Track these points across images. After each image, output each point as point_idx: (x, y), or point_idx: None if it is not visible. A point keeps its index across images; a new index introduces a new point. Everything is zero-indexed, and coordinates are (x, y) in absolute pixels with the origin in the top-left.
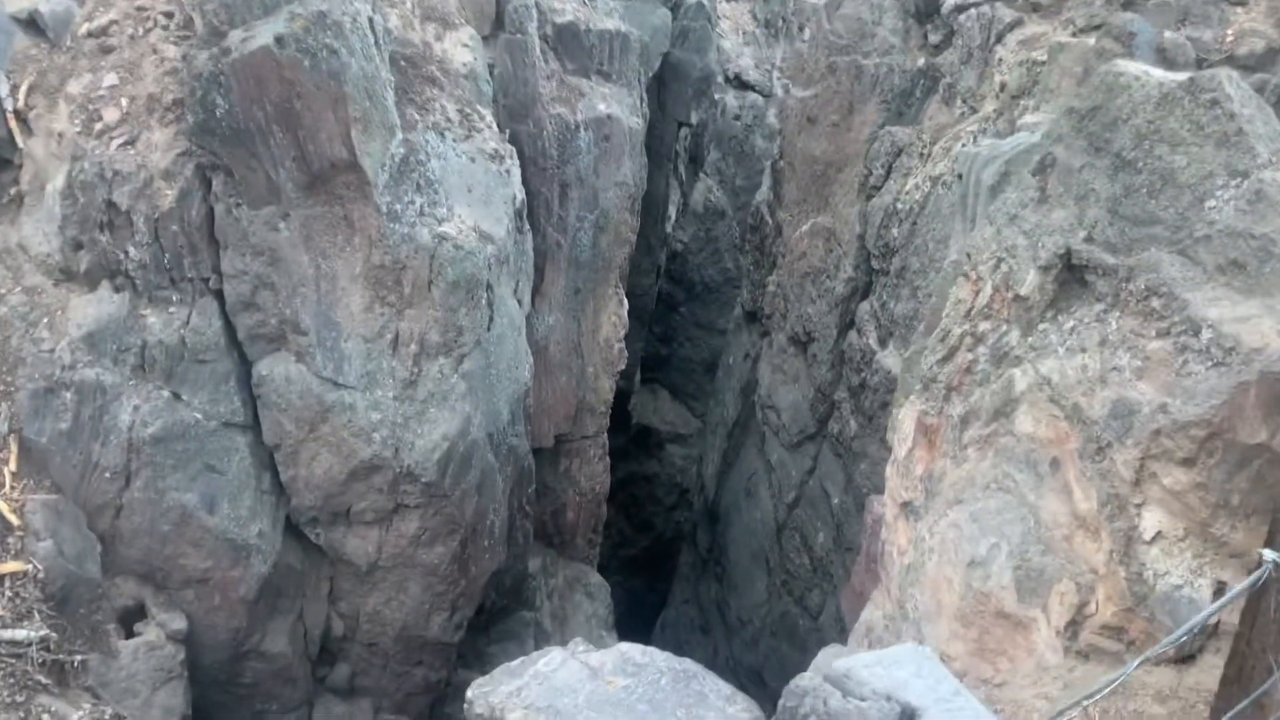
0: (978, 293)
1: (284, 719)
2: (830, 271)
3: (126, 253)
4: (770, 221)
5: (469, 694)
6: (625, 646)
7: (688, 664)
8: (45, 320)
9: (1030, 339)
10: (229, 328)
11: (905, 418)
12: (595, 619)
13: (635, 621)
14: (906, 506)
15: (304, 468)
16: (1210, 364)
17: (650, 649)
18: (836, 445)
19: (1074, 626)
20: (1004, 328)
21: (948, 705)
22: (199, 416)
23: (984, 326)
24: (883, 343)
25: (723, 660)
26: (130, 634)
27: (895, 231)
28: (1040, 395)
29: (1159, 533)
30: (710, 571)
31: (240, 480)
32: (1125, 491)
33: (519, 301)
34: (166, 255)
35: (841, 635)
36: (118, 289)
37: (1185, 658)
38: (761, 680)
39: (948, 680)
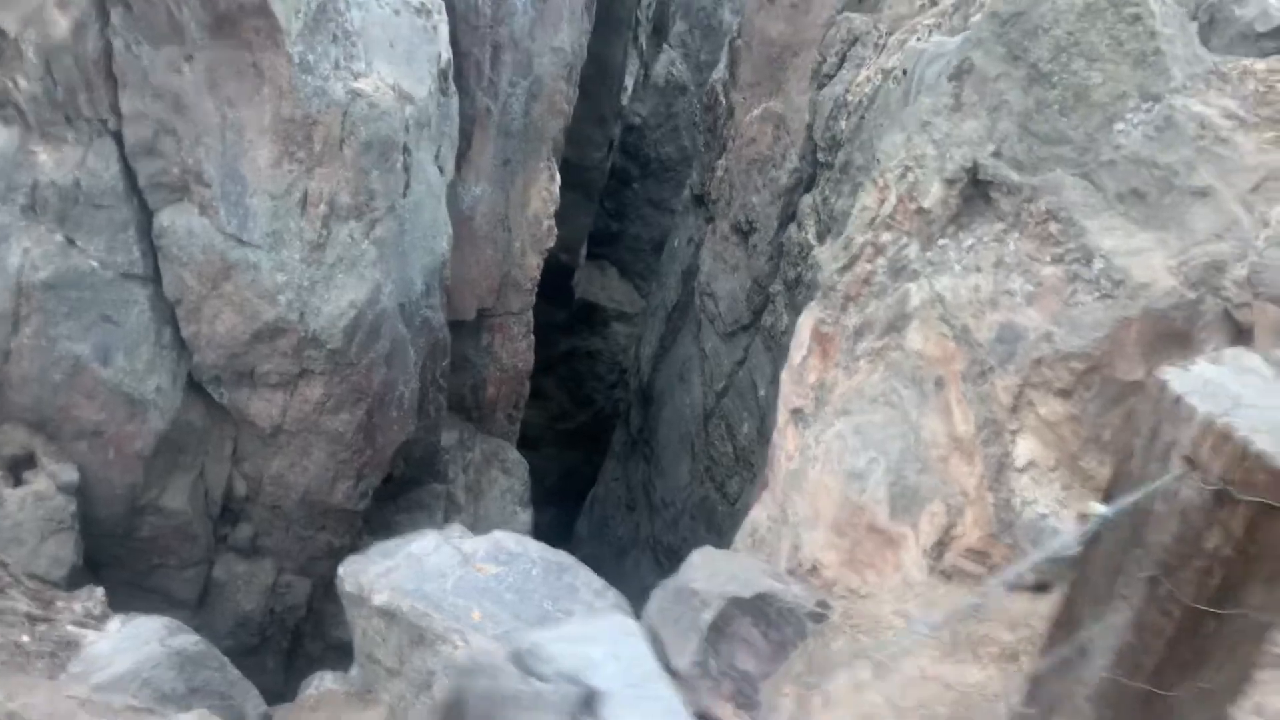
0: (883, 201)
1: (182, 574)
2: (777, 160)
3: (15, 83)
4: (724, 102)
5: (340, 570)
6: (500, 535)
7: (562, 556)
8: None
9: (929, 254)
10: (129, 173)
11: (803, 324)
12: (510, 494)
13: (569, 495)
14: (797, 413)
15: (206, 325)
16: (1098, 295)
17: (525, 539)
18: (768, 338)
19: (940, 547)
20: (904, 240)
21: (638, 691)
22: (95, 265)
23: (885, 237)
24: (821, 238)
25: (644, 538)
26: (19, 483)
27: (843, 124)
28: (932, 313)
29: (1031, 461)
30: (640, 452)
31: (138, 333)
32: (1002, 417)
33: (440, 169)
34: (60, 89)
35: None
36: (7, 122)
37: (1040, 586)
38: (678, 558)
39: (646, 662)
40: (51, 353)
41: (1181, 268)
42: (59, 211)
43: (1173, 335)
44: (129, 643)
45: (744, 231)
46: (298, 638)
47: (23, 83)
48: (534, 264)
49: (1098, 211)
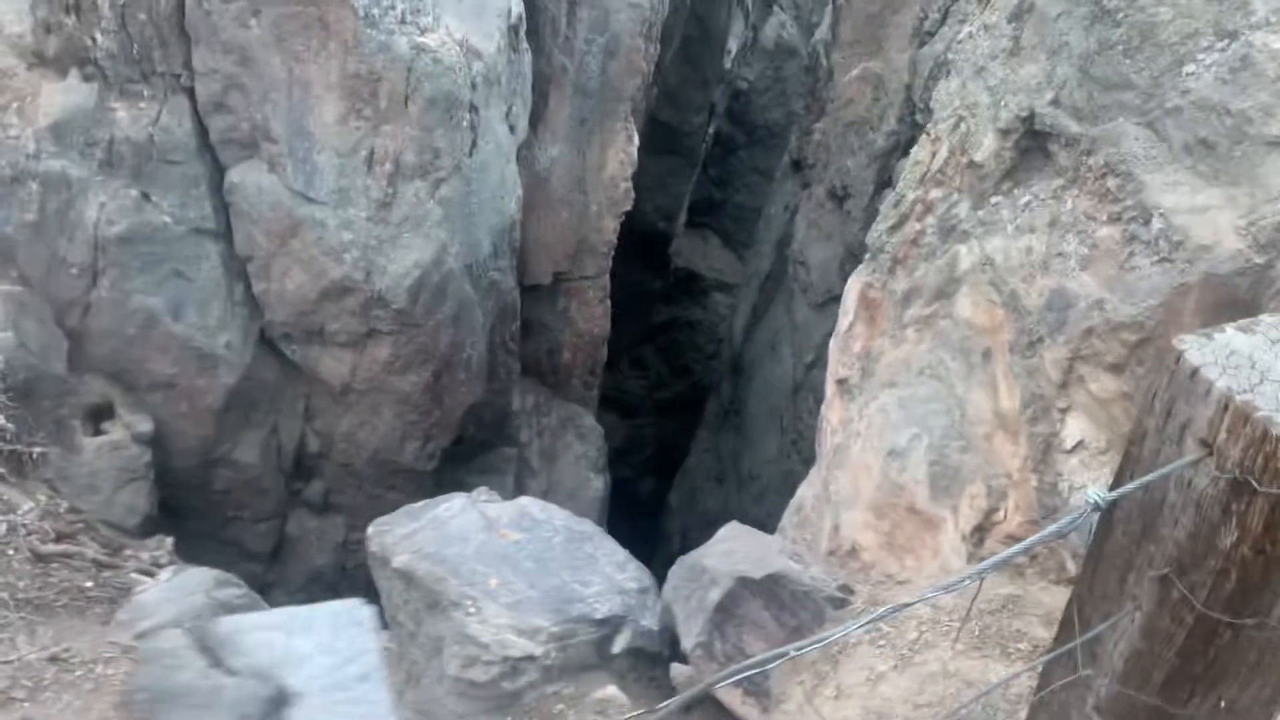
0: (934, 155)
1: (256, 527)
2: (874, 122)
3: (94, 39)
4: (824, 63)
5: (368, 530)
6: (526, 501)
7: (586, 525)
8: (15, 105)
9: (981, 212)
10: (201, 129)
11: (850, 288)
12: (585, 460)
13: (668, 464)
14: (843, 384)
15: (276, 282)
16: (1156, 258)
17: (551, 506)
18: None
19: (980, 533)
20: (955, 197)
21: (342, 693)
22: (168, 220)
23: (935, 194)
24: None
25: (731, 511)
26: (98, 433)
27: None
28: (982, 277)
29: (1080, 442)
30: (730, 423)
31: (209, 289)
32: (1050, 393)
33: (511, 128)
34: (135, 45)
35: None
36: (87, 78)
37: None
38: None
39: (365, 659)
40: (126, 306)
41: (1250, 228)
42: (134, 167)
43: (1236, 304)
44: (176, 593)
45: (839, 197)
46: (370, 594)
47: (100, 39)
48: (610, 227)
49: (1160, 165)
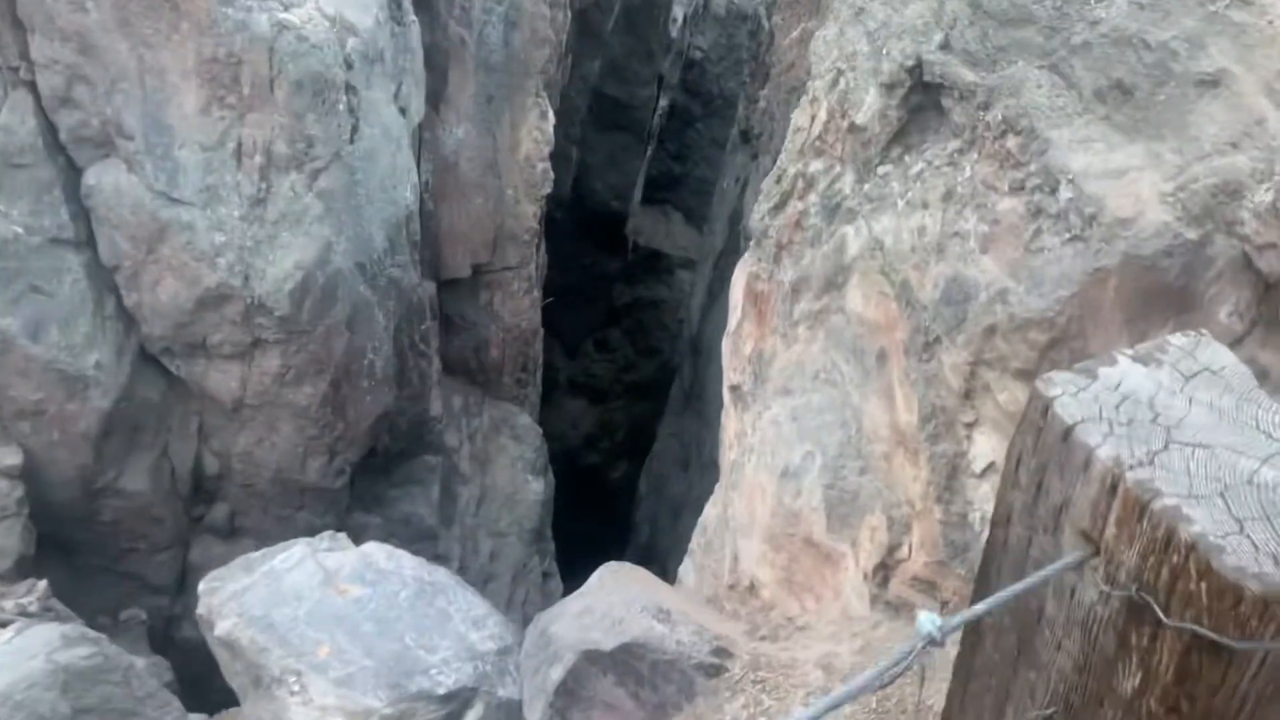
0: (814, 119)
1: (155, 558)
2: None
3: None
4: (766, 26)
5: (201, 585)
6: (371, 549)
7: (439, 576)
8: None
9: (867, 186)
10: (49, 127)
11: (736, 281)
12: (521, 462)
13: (636, 448)
14: (736, 392)
15: (148, 293)
16: (1066, 236)
17: (399, 554)
18: None
19: (884, 571)
20: (838, 169)
21: None
22: (19, 230)
23: (816, 166)
24: None
25: (695, 500)
26: None
27: None
28: (872, 264)
29: (991, 464)
30: (692, 407)
31: (73, 304)
32: (953, 405)
33: (402, 110)
34: None
35: None
36: None
37: None
38: None
39: None
40: None
41: (1179, 194)
42: None
43: (1167, 293)
44: (12, 658)
45: None
46: None
47: None
48: (531, 213)
49: (1068, 117)
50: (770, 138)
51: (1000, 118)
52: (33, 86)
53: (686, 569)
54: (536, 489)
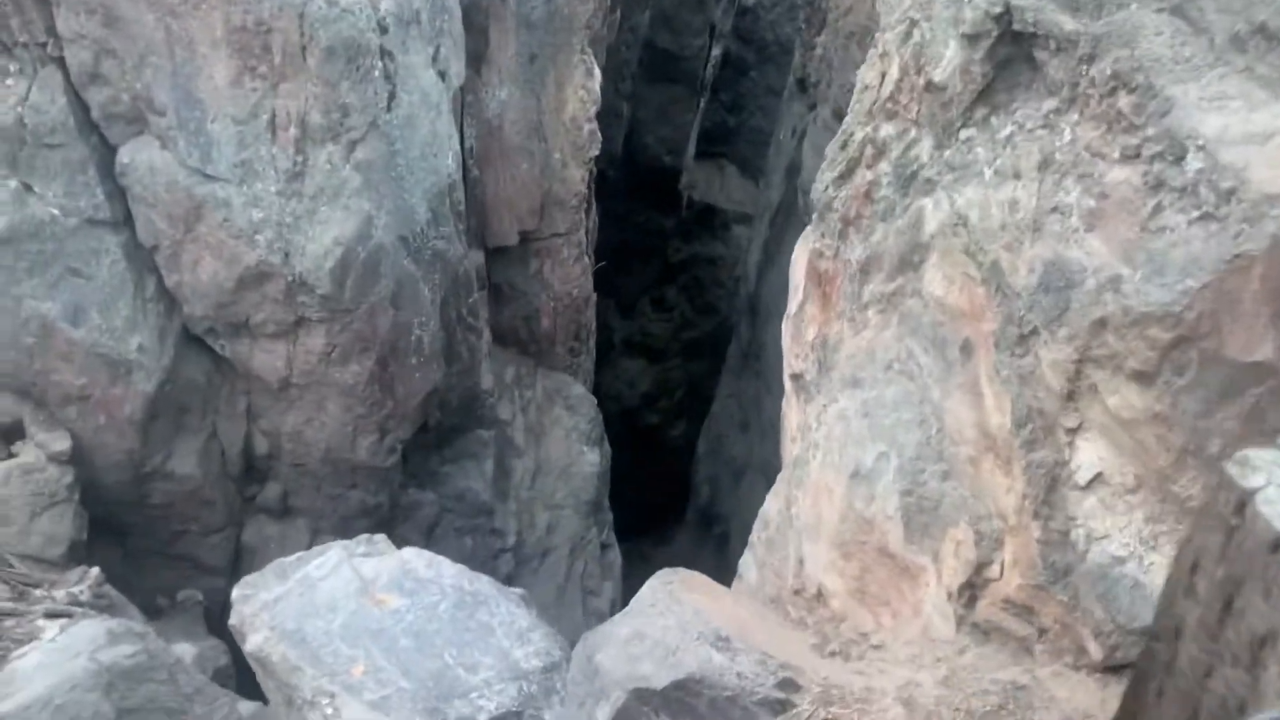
0: (884, 76)
1: (208, 540)
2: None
3: None
4: None
5: (235, 592)
6: (410, 555)
7: (481, 585)
8: None
9: (948, 153)
10: (80, 105)
11: (797, 258)
12: (576, 433)
13: (695, 406)
14: (798, 381)
15: (188, 273)
16: (1196, 215)
17: (439, 560)
18: None
19: (971, 591)
20: (913, 133)
21: None
22: (55, 212)
23: (888, 130)
24: None
25: (756, 461)
26: (10, 456)
27: None
28: (954, 242)
29: (1098, 475)
30: (751, 367)
31: (113, 287)
32: (1053, 407)
33: (441, 74)
34: None
35: None
36: None
37: (1118, 665)
38: None
39: None
40: (18, 314)
41: None
42: (7, 155)
43: None
44: (54, 657)
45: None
46: None
47: None
48: (579, 177)
49: (1196, 71)
50: (828, 86)
51: (1109, 72)
52: (61, 62)
53: (747, 563)
54: (592, 460)
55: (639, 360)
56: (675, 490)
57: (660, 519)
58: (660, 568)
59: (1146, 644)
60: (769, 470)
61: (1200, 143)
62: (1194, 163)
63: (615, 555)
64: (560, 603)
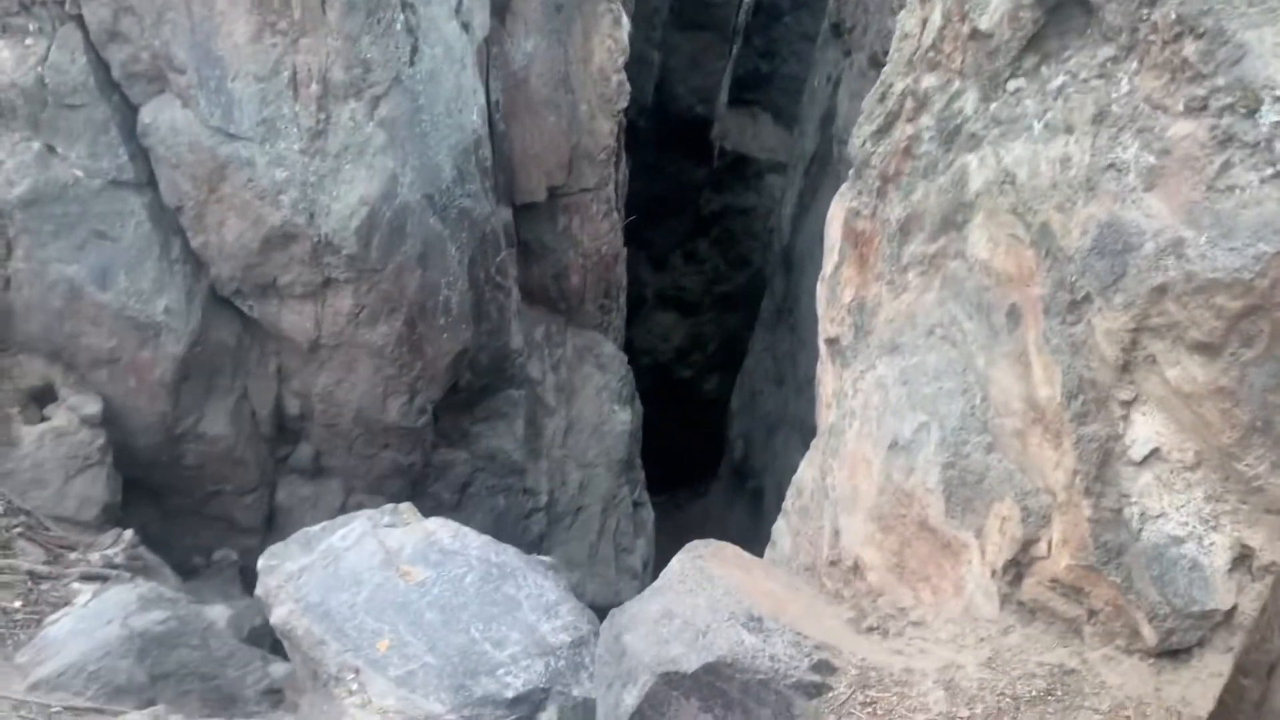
0: (925, 23)
1: (242, 500)
2: None
3: None
4: None
5: (260, 562)
6: (435, 526)
7: (508, 557)
8: None
9: (994, 105)
10: (100, 64)
11: (833, 217)
12: (607, 392)
13: (729, 360)
14: (833, 345)
15: (213, 234)
16: (1269, 173)
17: (465, 531)
18: None
19: (1016, 568)
20: (957, 84)
21: None
22: (79, 174)
23: (930, 81)
24: None
25: (790, 417)
26: (42, 419)
27: None
28: (1001, 201)
29: (1155, 450)
30: (785, 322)
31: (139, 249)
32: (1106, 379)
33: (464, 25)
34: None
35: None
36: None
37: (1173, 651)
38: None
39: None
40: (45, 277)
41: None
42: (29, 116)
43: None
44: (87, 623)
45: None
46: None
47: None
48: (607, 129)
49: (1271, 14)
50: (864, 32)
51: (1173, 16)
52: (80, 21)
53: (781, 530)
54: (624, 418)
55: (671, 314)
56: (709, 444)
57: (694, 473)
58: (695, 522)
59: (1232, 677)
60: (803, 426)
61: (1277, 93)
62: (1270, 115)
63: (648, 513)
64: (593, 561)
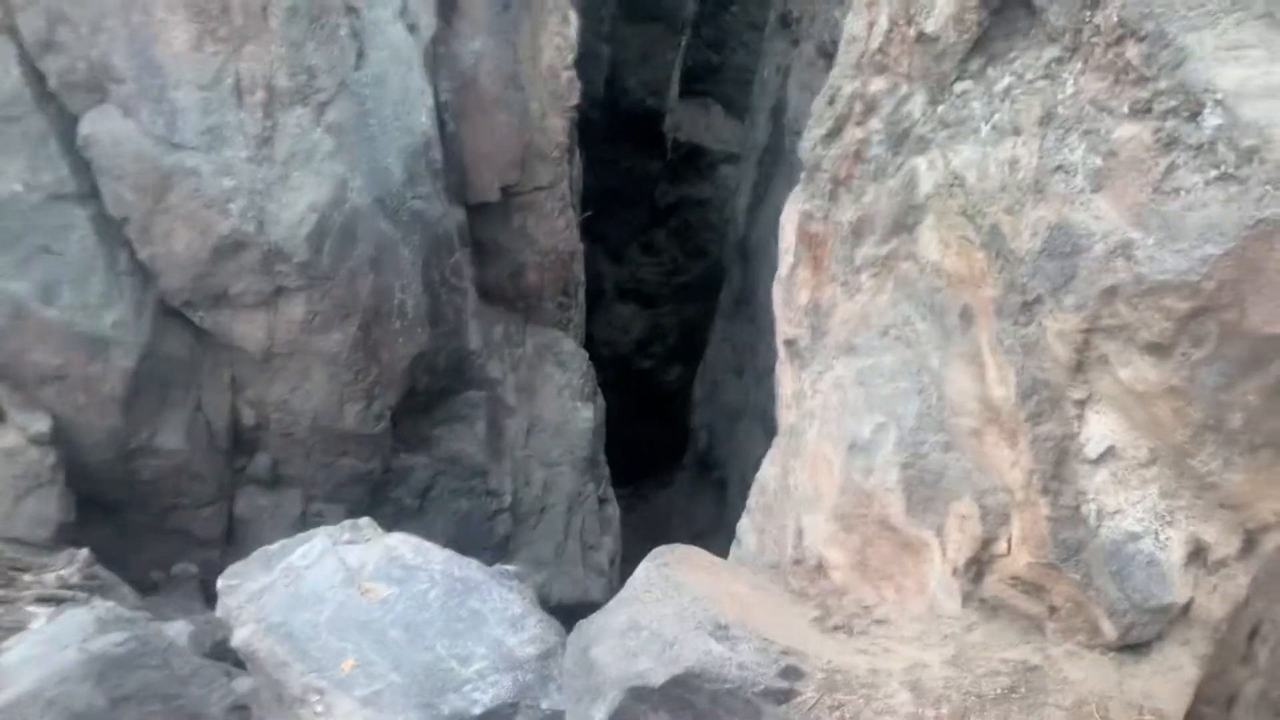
0: (872, 26)
1: (200, 513)
2: None
3: None
4: None
5: (220, 582)
6: (396, 541)
7: (471, 571)
8: None
9: (942, 108)
10: (36, 75)
11: (786, 219)
12: (569, 390)
13: (689, 350)
14: (791, 346)
15: (160, 245)
16: (1213, 175)
17: (426, 546)
18: None
19: (977, 566)
20: (905, 88)
21: None
22: (18, 188)
23: (878, 85)
24: None
25: (752, 407)
26: None
27: None
28: (950, 204)
29: (1110, 448)
30: (743, 312)
31: (84, 262)
32: (1060, 379)
33: (410, 26)
34: None
35: None
36: None
37: (1134, 645)
38: None
39: None
40: None
41: None
42: None
43: None
44: (43, 648)
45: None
46: None
47: None
48: (559, 127)
49: (1211, 17)
50: (811, 21)
51: (1115, 19)
52: (13, 32)
53: (745, 528)
54: (586, 416)
55: (631, 306)
56: (672, 435)
57: (658, 464)
58: (661, 513)
59: (1193, 706)
60: (764, 417)
61: (1218, 97)
62: (1211, 119)
63: (613, 509)
64: (560, 560)
